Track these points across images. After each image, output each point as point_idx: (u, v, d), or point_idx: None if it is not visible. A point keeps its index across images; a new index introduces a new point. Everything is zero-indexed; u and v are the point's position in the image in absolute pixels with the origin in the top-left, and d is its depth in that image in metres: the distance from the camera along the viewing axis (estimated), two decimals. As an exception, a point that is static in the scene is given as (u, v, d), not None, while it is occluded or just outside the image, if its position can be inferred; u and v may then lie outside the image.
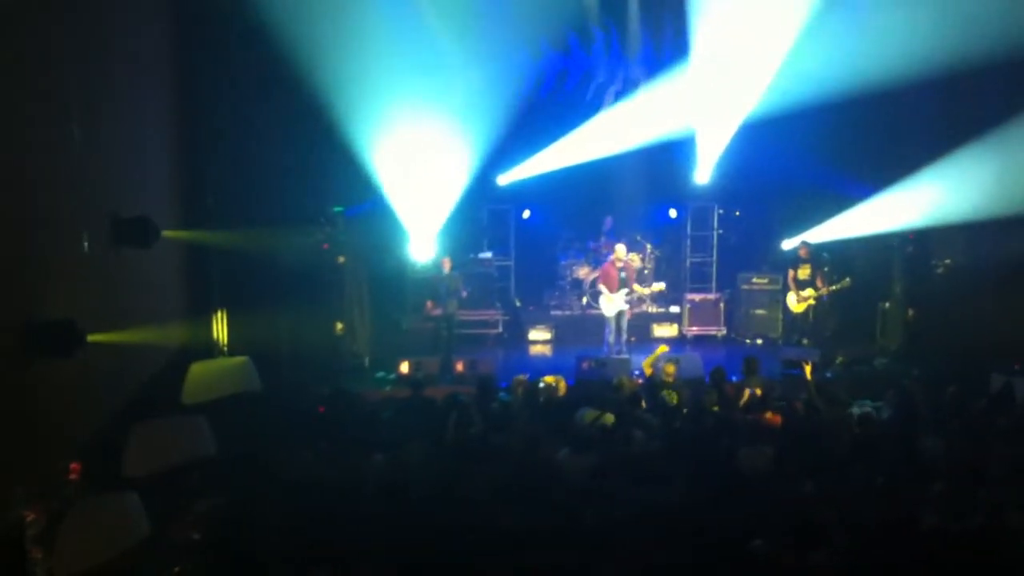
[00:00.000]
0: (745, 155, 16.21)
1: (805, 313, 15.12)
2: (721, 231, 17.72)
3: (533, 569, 6.28)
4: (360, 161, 13.89)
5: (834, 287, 14.81)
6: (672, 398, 10.69)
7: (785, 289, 15.53)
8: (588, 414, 9.75)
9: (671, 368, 11.42)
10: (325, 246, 13.51)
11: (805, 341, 14.92)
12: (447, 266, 14.37)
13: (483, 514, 7.05)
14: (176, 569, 6.29)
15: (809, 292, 14.95)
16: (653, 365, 11.88)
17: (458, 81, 14.86)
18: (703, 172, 16.57)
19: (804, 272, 15.08)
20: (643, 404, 10.33)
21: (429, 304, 14.28)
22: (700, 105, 15.54)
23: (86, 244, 6.42)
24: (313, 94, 12.42)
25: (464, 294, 14.41)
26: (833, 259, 15.47)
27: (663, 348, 12.54)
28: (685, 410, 10.35)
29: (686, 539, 6.69)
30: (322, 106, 12.78)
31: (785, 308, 15.62)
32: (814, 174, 15.36)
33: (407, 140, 14.41)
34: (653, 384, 11.27)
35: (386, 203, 14.67)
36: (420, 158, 14.73)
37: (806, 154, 15.28)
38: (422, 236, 15.44)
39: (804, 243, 15.25)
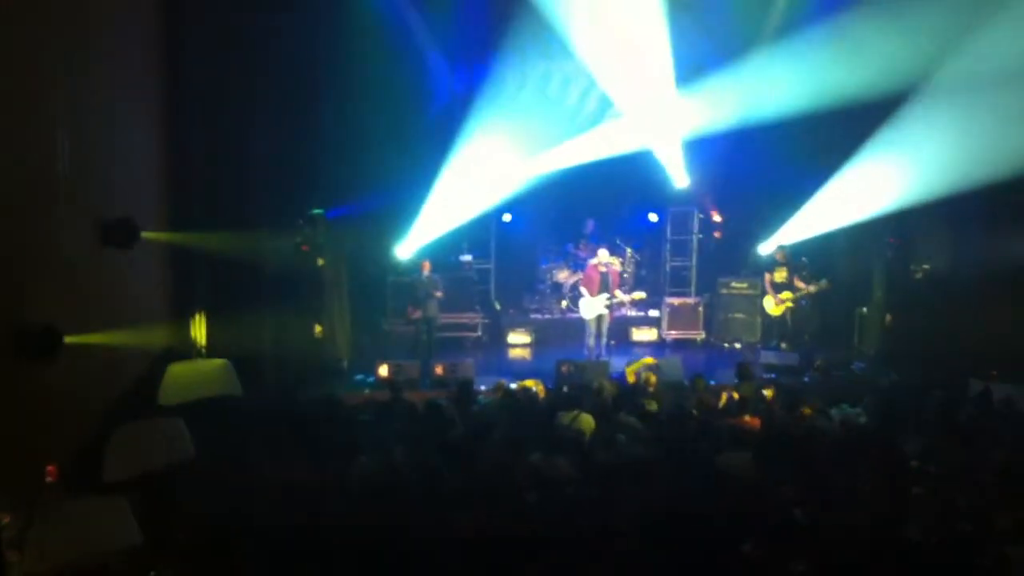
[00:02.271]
0: (724, 161, 16.33)
1: (783, 316, 15.21)
2: (701, 235, 17.77)
3: (516, 572, 6.27)
4: (345, 162, 13.90)
5: (812, 289, 14.90)
6: (651, 405, 10.70)
7: (763, 293, 15.61)
8: (564, 415, 9.78)
9: (653, 378, 11.47)
10: (305, 247, 13.46)
11: (783, 345, 15.00)
12: (426, 269, 14.36)
13: (464, 518, 7.04)
14: (152, 573, 6.25)
15: (786, 295, 15.04)
16: (636, 373, 11.92)
17: (440, 83, 14.94)
18: (681, 177, 16.64)
19: (780, 275, 15.19)
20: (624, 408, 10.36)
21: (410, 308, 14.28)
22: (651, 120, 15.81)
23: (68, 245, 6.37)
24: (298, 95, 12.41)
25: (439, 294, 14.37)
26: (810, 261, 15.56)
27: (649, 360, 12.55)
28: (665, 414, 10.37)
29: (668, 544, 6.70)
30: (307, 107, 12.79)
31: (763, 312, 15.70)
32: (792, 179, 15.46)
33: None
34: (635, 391, 11.28)
35: (371, 205, 14.63)
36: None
37: (784, 160, 15.39)
38: (417, 239, 15.49)
39: (780, 247, 15.34)
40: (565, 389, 11.55)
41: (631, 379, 11.89)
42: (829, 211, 15.19)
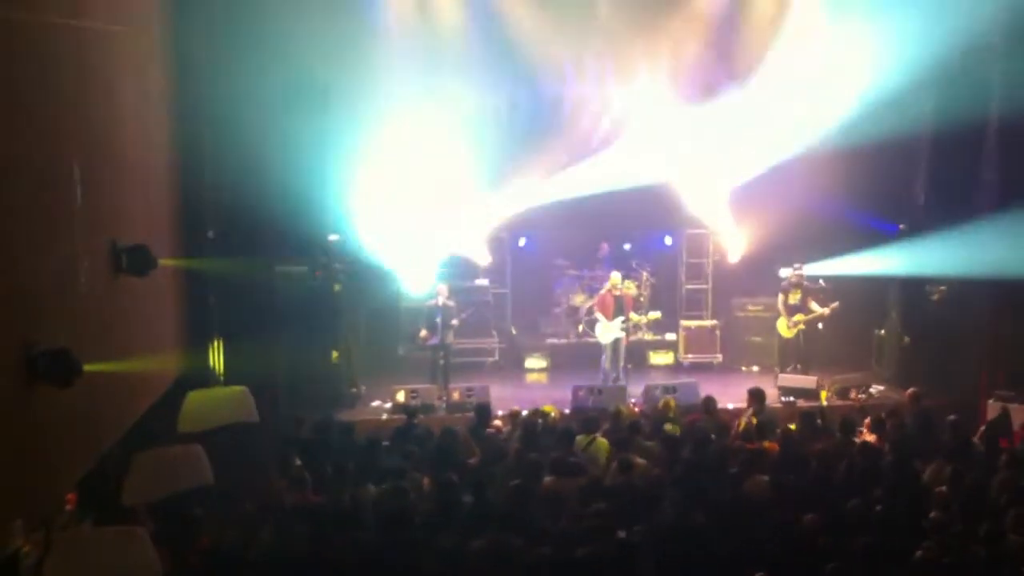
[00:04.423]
0: (744, 186, 16.32)
1: (796, 338, 15.14)
2: (716, 258, 17.70)
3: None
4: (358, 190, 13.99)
5: (825, 312, 14.85)
6: (675, 430, 10.67)
7: (778, 315, 15.53)
8: (579, 439, 9.80)
9: (672, 402, 11.47)
10: (317, 273, 13.52)
11: (799, 367, 14.92)
12: (443, 294, 14.37)
13: (480, 542, 7.04)
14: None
15: (799, 317, 14.97)
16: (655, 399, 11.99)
17: (455, 109, 15.01)
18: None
19: (795, 297, 15.12)
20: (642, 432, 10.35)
21: (423, 333, 14.25)
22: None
23: (84, 272, 6.41)
24: (312, 120, 12.50)
25: (455, 322, 14.37)
26: (824, 284, 15.54)
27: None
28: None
29: (681, 569, 6.69)
30: (321, 131, 12.89)
31: (778, 334, 15.59)
32: (814, 205, 15.44)
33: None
34: (654, 416, 11.27)
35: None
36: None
37: (805, 187, 15.41)
38: (422, 267, 15.52)
39: (796, 269, 15.26)
40: (582, 414, 11.55)
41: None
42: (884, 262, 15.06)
